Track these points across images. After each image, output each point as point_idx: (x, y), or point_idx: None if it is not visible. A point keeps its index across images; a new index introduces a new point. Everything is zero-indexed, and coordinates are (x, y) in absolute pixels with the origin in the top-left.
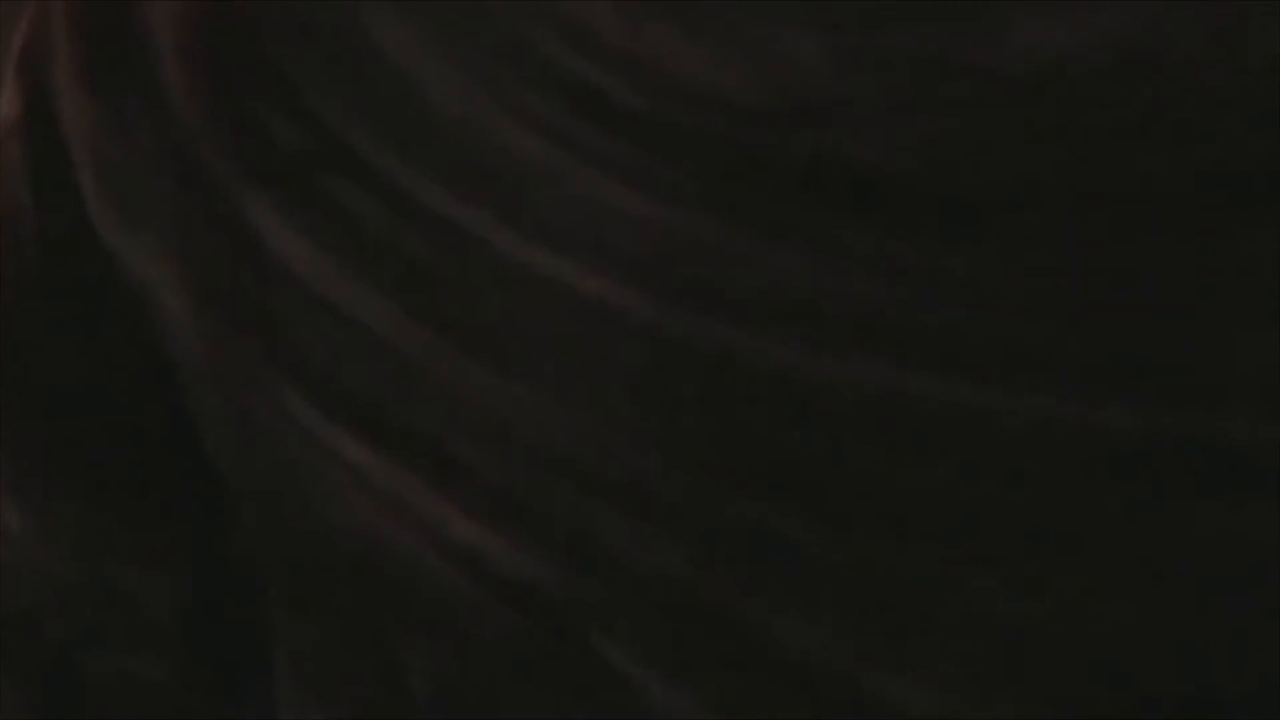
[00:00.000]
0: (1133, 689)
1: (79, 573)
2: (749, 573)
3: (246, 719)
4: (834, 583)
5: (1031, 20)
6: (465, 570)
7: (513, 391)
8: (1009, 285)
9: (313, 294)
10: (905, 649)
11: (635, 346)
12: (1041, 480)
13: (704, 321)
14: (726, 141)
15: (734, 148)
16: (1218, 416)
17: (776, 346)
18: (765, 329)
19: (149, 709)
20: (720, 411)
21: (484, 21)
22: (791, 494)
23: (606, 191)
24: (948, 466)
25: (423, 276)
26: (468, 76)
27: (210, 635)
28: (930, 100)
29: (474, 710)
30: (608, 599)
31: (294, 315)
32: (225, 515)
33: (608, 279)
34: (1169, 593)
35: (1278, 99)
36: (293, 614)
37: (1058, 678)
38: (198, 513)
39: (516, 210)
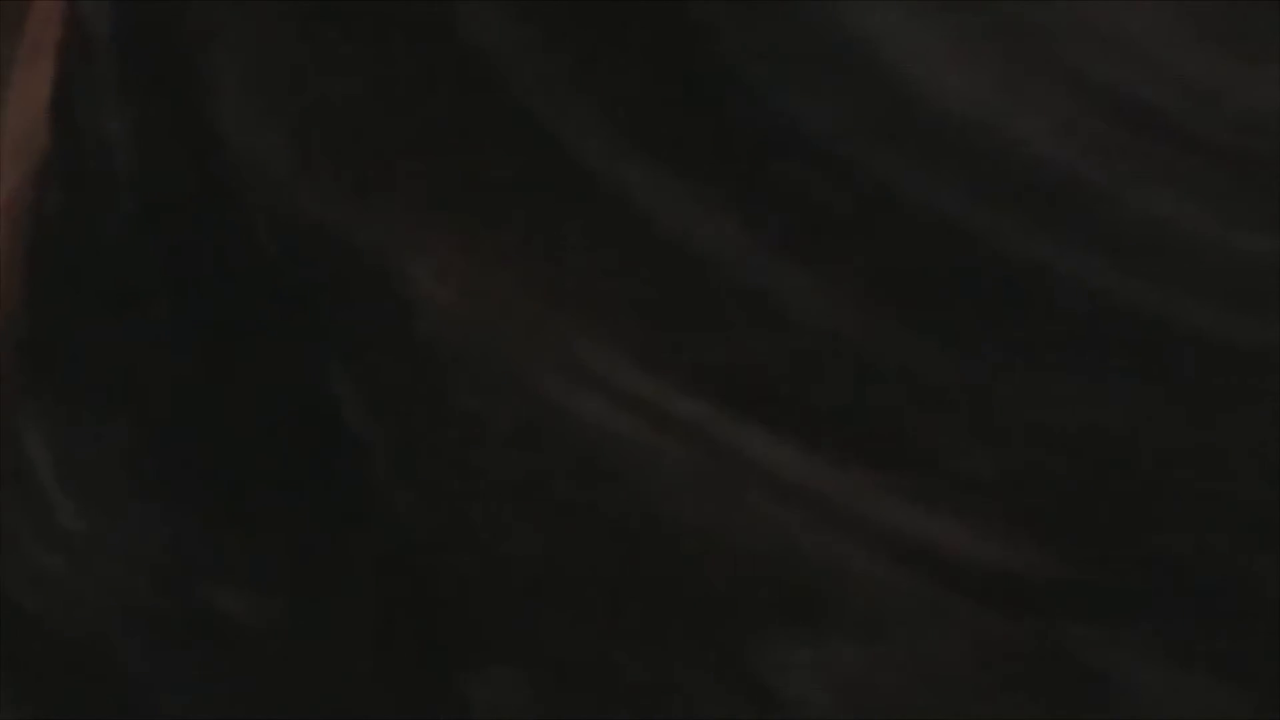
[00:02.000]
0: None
1: (161, 591)
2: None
3: None
4: None
5: None
6: (919, 571)
7: (1002, 384)
8: None
9: (730, 279)
10: None
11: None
12: None
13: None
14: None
15: None
16: None
17: None
18: None
19: None
20: None
21: (1000, 21)
22: None
23: (1178, 213)
24: None
25: (898, 274)
26: (978, 74)
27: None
28: None
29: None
30: (1102, 589)
31: (689, 300)
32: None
33: (1163, 294)
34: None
35: None
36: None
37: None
38: (332, 528)
39: (1045, 219)
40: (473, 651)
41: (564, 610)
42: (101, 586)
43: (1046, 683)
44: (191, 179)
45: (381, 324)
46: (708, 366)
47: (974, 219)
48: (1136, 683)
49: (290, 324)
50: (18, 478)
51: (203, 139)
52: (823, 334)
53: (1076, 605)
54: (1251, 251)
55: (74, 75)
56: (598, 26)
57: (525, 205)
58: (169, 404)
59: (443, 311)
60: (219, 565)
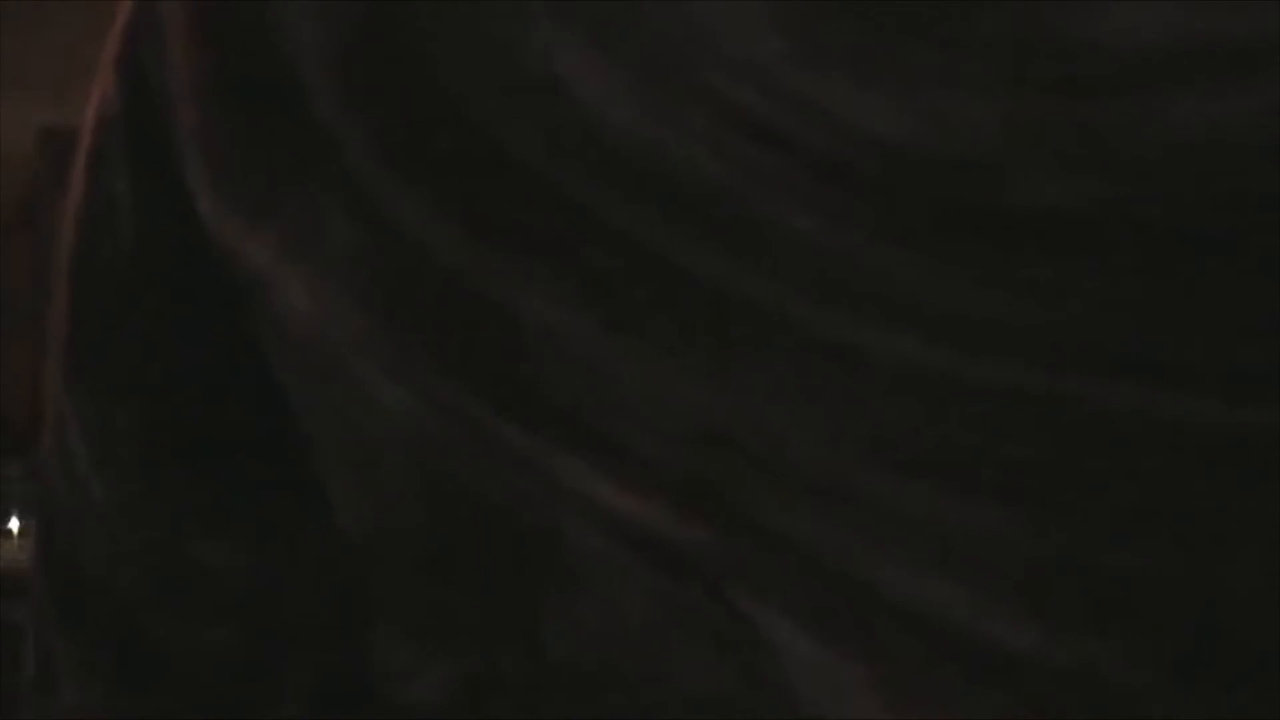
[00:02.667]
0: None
1: (155, 540)
2: (880, 538)
3: (323, 689)
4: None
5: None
6: (614, 538)
7: (670, 375)
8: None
9: (469, 289)
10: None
11: (799, 347)
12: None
13: (868, 327)
14: (899, 181)
15: (906, 188)
16: None
17: (934, 350)
18: (928, 336)
19: (214, 674)
20: (883, 404)
21: (649, 47)
22: (940, 474)
23: (789, 215)
24: (1101, 458)
25: (600, 280)
26: (643, 100)
27: (290, 609)
28: (1093, 164)
29: (611, 662)
30: (753, 559)
31: (449, 308)
32: (315, 495)
33: (782, 288)
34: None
35: None
36: (413, 576)
37: (1177, 630)
38: (287, 494)
39: (699, 227)
40: (367, 610)
41: (419, 572)
42: (116, 545)
43: (713, 632)
44: (173, 225)
45: (273, 332)
46: (454, 357)
47: (649, 231)
48: (779, 636)
49: (238, 335)
50: (62, 458)
51: (180, 198)
52: (539, 331)
53: (733, 570)
54: (850, 256)
55: (100, 143)
56: (364, 41)
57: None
58: (167, 395)
59: (298, 320)
60: (204, 522)
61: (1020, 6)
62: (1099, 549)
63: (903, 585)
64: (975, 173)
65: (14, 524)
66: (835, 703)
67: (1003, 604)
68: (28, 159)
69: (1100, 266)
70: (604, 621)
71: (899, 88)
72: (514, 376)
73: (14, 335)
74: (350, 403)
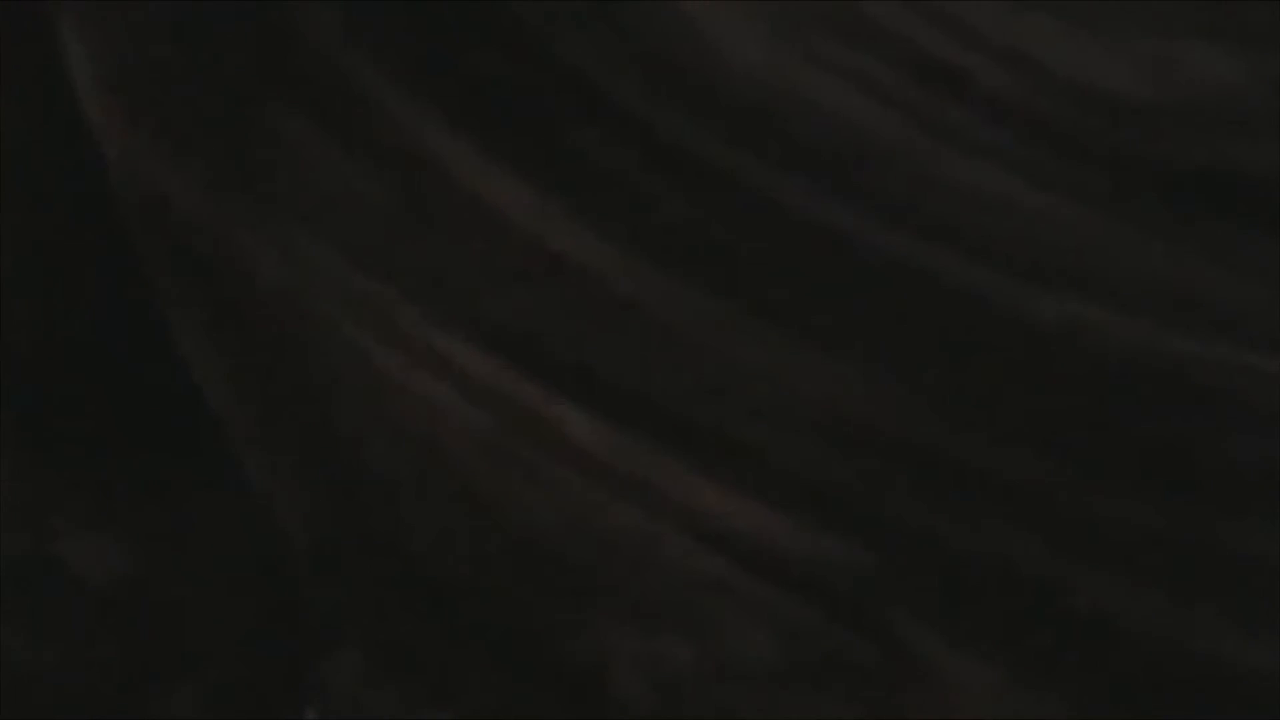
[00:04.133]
0: None
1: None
2: (1059, 541)
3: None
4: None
5: None
6: (727, 556)
7: (804, 364)
8: None
9: (523, 237)
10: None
11: (966, 316)
12: None
13: (1046, 295)
14: (1105, 137)
15: (1113, 144)
16: None
17: (1129, 327)
18: (1125, 309)
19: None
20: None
21: None
22: (1114, 471)
23: (969, 173)
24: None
25: (690, 236)
26: (775, 33)
27: (174, 616)
28: None
29: (712, 711)
30: (899, 569)
31: (485, 259)
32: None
33: (956, 254)
34: None
35: None
36: (398, 600)
37: None
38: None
39: (835, 177)
40: (322, 634)
41: (398, 593)
42: None
43: (860, 668)
44: (47, 143)
45: (233, 298)
46: (502, 325)
47: (768, 182)
48: (943, 669)
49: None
50: None
51: (62, 113)
52: (619, 302)
53: (891, 594)
54: (1055, 220)
55: None
56: None
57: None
58: (23, 353)
59: (284, 285)
60: (71, 509)
61: None
62: None
63: (1090, 589)
64: (1209, 131)
65: None
66: None
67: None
68: None
69: None
70: (703, 660)
71: (1117, 32)
72: (583, 355)
73: None
74: (341, 381)
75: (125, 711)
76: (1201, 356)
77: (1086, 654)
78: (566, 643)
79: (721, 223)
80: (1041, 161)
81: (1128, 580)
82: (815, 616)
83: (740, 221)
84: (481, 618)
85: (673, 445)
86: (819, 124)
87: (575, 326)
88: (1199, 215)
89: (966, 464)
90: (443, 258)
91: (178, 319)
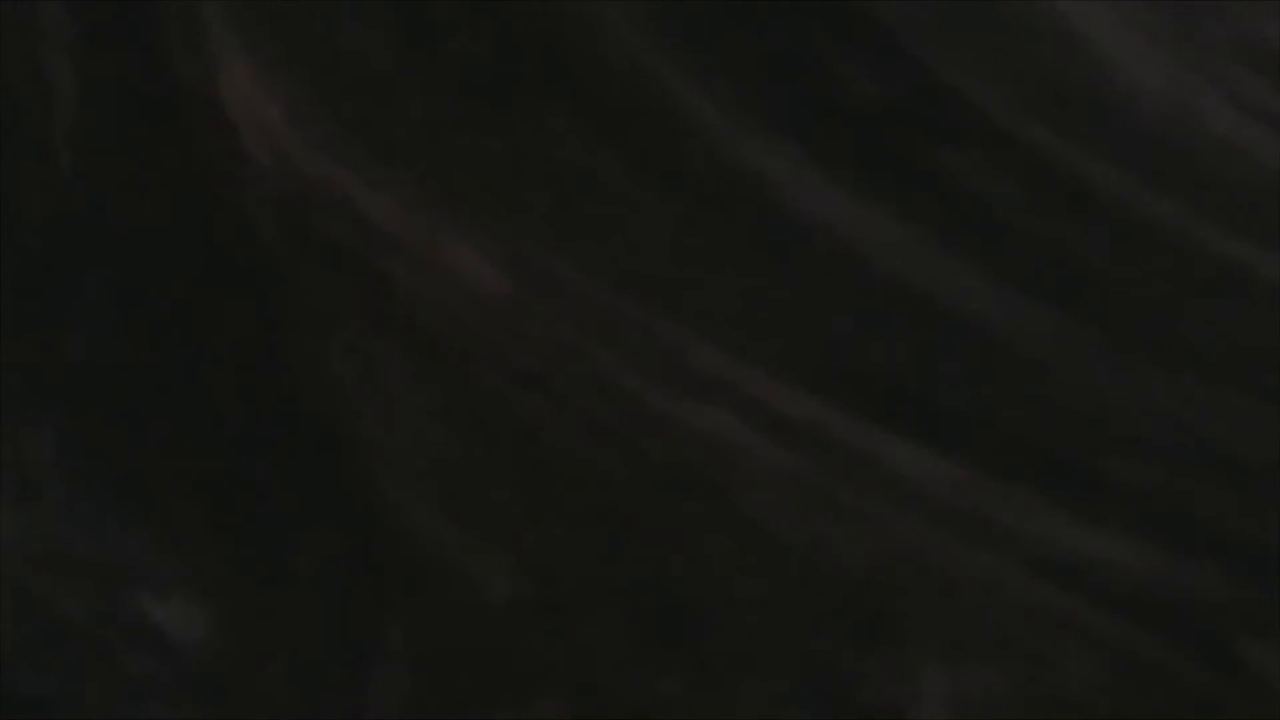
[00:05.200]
0: None
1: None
2: None
3: None
4: None
5: None
6: (1075, 589)
7: (1177, 389)
8: None
9: (875, 273)
10: None
11: None
12: None
13: None
14: None
15: None
16: None
17: None
18: None
19: None
20: None
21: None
22: None
23: None
24: None
25: (1067, 270)
26: (1171, 55)
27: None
28: None
29: None
30: (1258, 601)
31: (808, 290)
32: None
33: None
34: None
35: None
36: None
37: None
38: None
39: (1216, 202)
40: (519, 686)
41: (614, 638)
42: (44, 605)
43: (1193, 688)
44: (145, 134)
45: (387, 306)
46: (833, 366)
47: (1164, 214)
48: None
49: (257, 303)
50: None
51: (166, 91)
52: (974, 334)
53: (1250, 623)
54: None
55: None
56: None
57: (593, 187)
58: (99, 398)
59: (490, 297)
60: (154, 571)
61: None
62: None
63: None
64: None
65: None
66: None
67: None
68: None
69: None
70: (1015, 689)
71: None
72: (928, 392)
73: None
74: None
75: None
76: None
77: None
78: (869, 683)
79: (1124, 263)
80: None
81: None
82: (1155, 642)
83: (1124, 255)
84: (762, 658)
85: (1029, 482)
86: (1227, 161)
87: (926, 364)
88: None
89: None
90: (748, 288)
91: (338, 344)
